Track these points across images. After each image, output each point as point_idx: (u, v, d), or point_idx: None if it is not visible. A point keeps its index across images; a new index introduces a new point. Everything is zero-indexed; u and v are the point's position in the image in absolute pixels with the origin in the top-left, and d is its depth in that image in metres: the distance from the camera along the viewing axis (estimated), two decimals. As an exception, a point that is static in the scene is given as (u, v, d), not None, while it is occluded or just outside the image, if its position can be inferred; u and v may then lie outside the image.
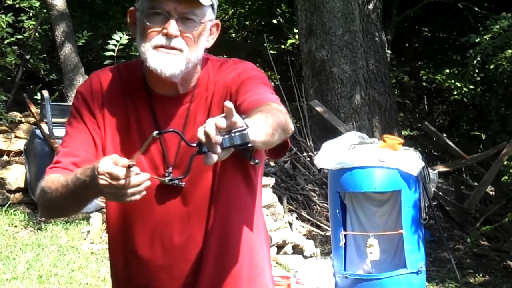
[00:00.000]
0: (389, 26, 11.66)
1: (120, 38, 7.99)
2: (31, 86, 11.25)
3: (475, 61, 9.49)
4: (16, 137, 8.24)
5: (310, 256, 6.27)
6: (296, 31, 11.68)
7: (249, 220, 2.02)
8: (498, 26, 7.82)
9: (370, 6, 9.04)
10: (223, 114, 1.56)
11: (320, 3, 8.88)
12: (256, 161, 1.73)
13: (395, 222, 5.15)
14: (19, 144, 8.13)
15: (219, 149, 1.55)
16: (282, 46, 12.98)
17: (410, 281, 5.05)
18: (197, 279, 1.97)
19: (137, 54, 2.00)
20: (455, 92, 11.49)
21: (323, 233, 7.05)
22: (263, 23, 14.01)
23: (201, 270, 1.97)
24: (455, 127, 13.37)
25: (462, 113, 13.27)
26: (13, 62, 10.06)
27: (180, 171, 1.94)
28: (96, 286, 5.28)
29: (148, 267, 1.99)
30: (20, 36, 10.57)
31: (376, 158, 5.05)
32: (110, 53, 8.01)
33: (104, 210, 4.66)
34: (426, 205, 5.22)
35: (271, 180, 6.81)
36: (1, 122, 8.18)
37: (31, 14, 10.89)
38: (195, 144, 1.59)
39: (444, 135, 10.56)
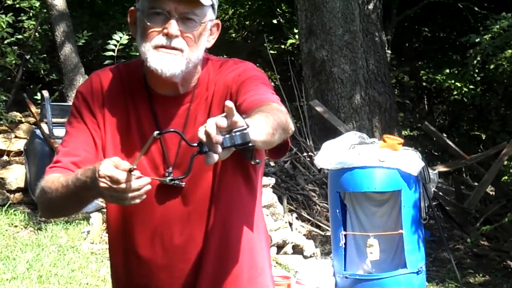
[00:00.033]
0: (389, 26, 11.66)
1: (120, 38, 7.99)
2: (31, 86, 11.25)
3: (475, 61, 9.49)
4: (16, 137, 8.24)
5: (310, 256, 6.27)
6: (296, 31, 11.69)
7: (249, 220, 2.02)
8: (498, 26, 7.82)
9: (370, 6, 9.04)
10: (224, 114, 1.56)
11: (320, 3, 8.88)
12: (257, 160, 1.73)
13: (395, 222, 5.15)
14: (19, 144, 8.13)
15: (220, 149, 1.55)
16: (282, 46, 12.99)
17: (410, 281, 5.05)
18: (197, 279, 1.97)
19: (137, 54, 2.00)
20: (455, 92, 11.50)
21: (323, 233, 7.05)
22: (263, 23, 14.02)
23: (201, 270, 1.96)
24: (455, 127, 13.37)
25: (462, 113, 13.27)
26: (13, 62, 10.07)
27: (180, 171, 1.94)
28: (96, 286, 5.28)
29: (148, 267, 1.99)
30: (20, 36, 10.57)
31: (376, 158, 5.05)
32: (110, 53, 8.01)
33: (104, 210, 4.66)
34: (426, 205, 5.22)
35: (271, 180, 6.81)
36: (1, 122, 8.19)
37: (31, 14, 10.89)
38: (195, 144, 1.60)
39: (444, 135, 10.56)
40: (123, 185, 1.65)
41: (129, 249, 2.01)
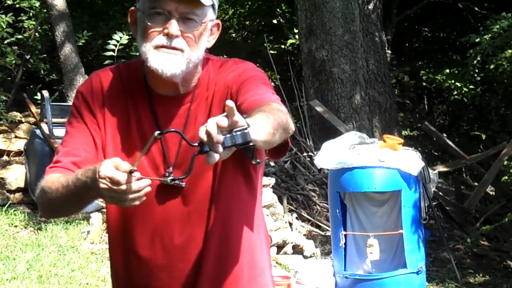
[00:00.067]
0: (389, 26, 11.66)
1: (120, 38, 7.99)
2: (31, 86, 11.25)
3: (475, 61, 9.49)
4: (16, 137, 8.24)
5: (310, 256, 6.27)
6: (296, 31, 11.69)
7: (249, 220, 2.02)
8: (498, 26, 7.82)
9: (370, 6, 9.04)
10: (225, 113, 1.56)
11: (320, 3, 8.88)
12: (258, 160, 1.73)
13: (395, 222, 5.15)
14: (19, 144, 8.13)
15: (220, 148, 1.55)
16: (282, 46, 12.99)
17: (410, 281, 5.05)
18: (197, 279, 1.97)
19: (137, 54, 2.00)
20: (455, 92, 11.50)
21: (323, 233, 7.05)
22: (263, 23, 14.01)
23: (201, 270, 1.96)
24: (455, 127, 13.37)
25: (462, 113, 13.27)
26: (13, 62, 10.07)
27: (181, 171, 1.93)
28: (96, 286, 5.28)
29: (148, 267, 1.99)
30: (20, 36, 10.57)
31: (376, 158, 5.05)
32: (110, 53, 8.01)
33: (104, 210, 4.66)
34: (426, 205, 5.22)
35: (271, 180, 6.81)
36: (1, 122, 8.19)
37: (31, 14, 10.89)
38: (196, 144, 1.59)
39: (444, 135, 10.56)
40: (123, 187, 1.65)
41: (129, 249, 2.00)
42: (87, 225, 6.41)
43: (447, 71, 11.45)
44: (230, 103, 1.55)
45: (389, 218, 5.21)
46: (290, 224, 6.79)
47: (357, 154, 5.13)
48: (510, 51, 8.95)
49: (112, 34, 8.26)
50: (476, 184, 8.80)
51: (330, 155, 5.20)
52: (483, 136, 12.48)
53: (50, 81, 11.12)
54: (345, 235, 5.20)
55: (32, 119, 8.28)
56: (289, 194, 7.52)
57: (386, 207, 5.23)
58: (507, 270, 6.90)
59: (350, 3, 8.87)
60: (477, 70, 10.38)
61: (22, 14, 10.81)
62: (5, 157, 8.10)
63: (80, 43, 9.83)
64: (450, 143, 8.92)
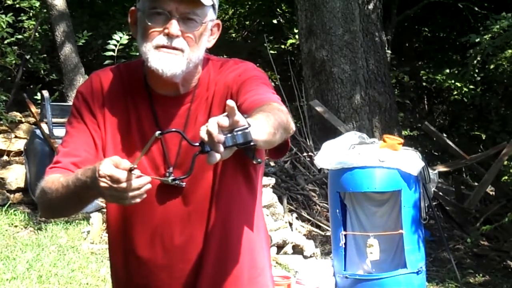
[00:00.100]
0: (389, 26, 11.66)
1: (120, 38, 7.99)
2: (31, 86, 11.25)
3: (475, 61, 9.49)
4: (16, 137, 8.24)
5: (310, 256, 6.27)
6: (296, 31, 11.69)
7: (249, 220, 2.02)
8: (498, 26, 7.82)
9: (370, 6, 9.04)
10: (225, 113, 1.56)
11: (320, 3, 8.88)
12: (259, 160, 1.73)
13: (395, 222, 5.15)
14: (19, 144, 8.14)
15: (221, 148, 1.55)
16: (282, 46, 12.98)
17: (410, 281, 5.05)
18: (197, 279, 1.97)
19: (137, 54, 2.00)
20: (455, 92, 11.50)
21: (323, 233, 7.05)
22: (263, 23, 14.01)
23: (201, 270, 1.96)
24: (455, 127, 13.37)
25: (462, 113, 13.27)
26: (13, 62, 10.07)
27: (181, 171, 1.93)
28: (96, 286, 5.28)
29: (148, 267, 1.99)
30: (20, 36, 10.57)
31: (376, 158, 5.05)
32: (110, 53, 8.01)
33: (104, 210, 4.66)
34: (426, 205, 5.22)
35: (271, 180, 6.81)
36: (1, 122, 8.19)
37: (31, 14, 10.89)
38: (197, 144, 1.59)
39: (444, 135, 10.56)
40: (123, 185, 1.64)
41: (129, 249, 2.00)
42: (87, 225, 6.41)
43: (447, 71, 11.45)
44: (231, 102, 1.55)
45: (389, 218, 5.21)
46: (290, 224, 6.79)
47: (357, 154, 5.13)
48: (510, 51, 8.95)
49: (112, 34, 8.27)
50: (476, 184, 8.80)
51: (330, 155, 5.20)
52: (483, 136, 12.48)
53: (50, 81, 11.13)
54: (345, 235, 5.20)
55: (32, 119, 8.28)
56: (289, 194, 7.52)
57: (386, 207, 5.23)
58: (507, 270, 6.90)
59: (350, 3, 8.87)
60: (477, 70, 10.39)
61: (22, 14, 10.81)
62: (5, 157, 8.10)
63: (80, 43, 9.83)
64: (450, 143, 8.92)
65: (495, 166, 7.85)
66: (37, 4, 10.50)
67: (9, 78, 10.75)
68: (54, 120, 7.31)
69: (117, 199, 1.68)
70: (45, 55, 11.03)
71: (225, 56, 2.40)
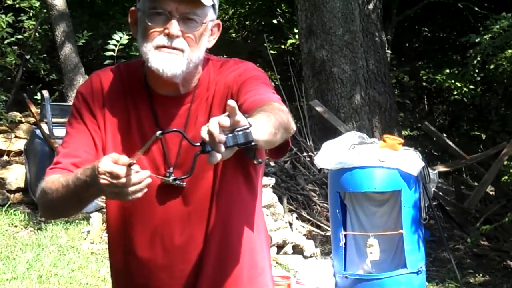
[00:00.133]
0: (389, 26, 11.66)
1: (120, 38, 7.99)
2: (31, 86, 11.25)
3: (475, 61, 9.49)
4: (16, 137, 8.24)
5: (310, 256, 6.27)
6: (296, 31, 11.69)
7: (249, 220, 2.02)
8: (498, 26, 7.82)
9: (370, 6, 9.04)
10: (227, 113, 1.56)
11: (320, 3, 8.88)
12: (259, 160, 1.73)
13: (395, 222, 5.15)
14: (19, 144, 8.14)
15: (223, 148, 1.54)
16: (282, 46, 12.99)
17: (410, 281, 5.05)
18: (197, 279, 1.97)
19: (137, 54, 2.00)
20: (455, 92, 11.50)
21: (323, 233, 7.05)
22: (263, 23, 14.01)
23: (201, 270, 1.96)
24: (455, 127, 13.37)
25: (462, 113, 13.27)
26: (13, 62, 10.07)
27: (181, 171, 1.93)
28: (96, 286, 5.28)
29: (148, 267, 1.99)
30: (20, 36, 10.57)
31: (376, 158, 5.05)
32: (110, 53, 8.01)
33: (104, 210, 4.66)
34: (426, 205, 5.22)
35: (271, 180, 6.81)
36: (1, 122, 8.19)
37: (31, 14, 10.89)
38: (198, 144, 1.59)
39: (444, 135, 10.56)
40: (123, 180, 1.64)
41: (129, 249, 2.00)
42: (87, 225, 6.41)
43: (447, 71, 11.45)
44: (232, 102, 1.54)
45: (389, 218, 5.21)
46: (290, 224, 6.79)
47: (357, 154, 5.13)
48: (510, 51, 8.95)
49: (112, 34, 8.27)
50: (476, 184, 8.80)
51: (330, 155, 5.20)
52: (483, 136, 12.48)
53: (50, 81, 11.13)
54: (345, 235, 5.20)
55: (32, 119, 8.29)
56: (289, 194, 7.52)
57: (386, 207, 5.23)
58: (507, 270, 6.90)
59: (350, 3, 8.87)
60: (477, 70, 10.39)
61: (22, 14, 10.81)
62: (5, 157, 8.10)
63: (80, 43, 9.83)
64: (450, 143, 8.92)
65: (495, 166, 7.85)
66: (37, 4, 10.50)
67: (9, 78, 10.75)
68: (54, 120, 7.31)
69: (118, 195, 1.68)
70: (45, 55, 11.04)
71: (225, 56, 2.40)
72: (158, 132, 1.68)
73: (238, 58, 2.08)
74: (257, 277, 2.04)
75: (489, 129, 11.99)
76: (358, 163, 5.06)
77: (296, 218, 7.07)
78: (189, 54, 1.89)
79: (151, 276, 1.99)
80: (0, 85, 10.21)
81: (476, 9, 11.85)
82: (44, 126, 7.45)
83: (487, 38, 8.02)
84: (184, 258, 1.97)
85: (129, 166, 1.64)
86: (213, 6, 1.93)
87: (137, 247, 1.99)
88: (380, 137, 7.20)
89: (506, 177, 8.55)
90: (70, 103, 7.95)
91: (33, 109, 8.14)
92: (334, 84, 8.85)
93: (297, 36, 11.35)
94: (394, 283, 5.02)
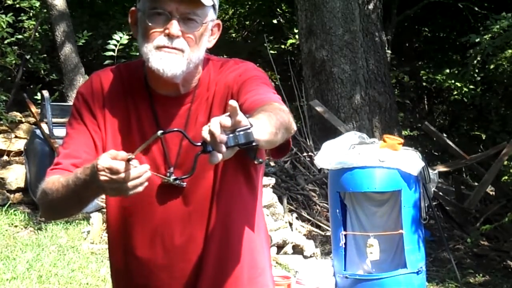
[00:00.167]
0: (389, 26, 11.66)
1: (120, 38, 8.00)
2: (31, 86, 11.25)
3: (475, 61, 9.49)
4: (16, 137, 8.24)
5: (310, 256, 6.27)
6: (296, 31, 11.69)
7: (250, 220, 2.02)
8: (498, 26, 7.83)
9: (370, 6, 9.04)
10: (228, 113, 1.56)
11: (320, 3, 8.88)
12: (260, 160, 1.73)
13: (395, 222, 5.15)
14: (19, 144, 8.14)
15: (224, 148, 1.54)
16: (282, 46, 12.99)
17: (410, 281, 5.05)
18: (197, 279, 1.97)
19: (137, 54, 2.00)
20: (455, 92, 11.50)
21: (323, 233, 7.05)
22: (263, 23, 14.02)
23: (201, 270, 1.96)
24: (455, 127, 13.37)
25: (462, 113, 13.27)
26: (13, 62, 10.07)
27: (181, 171, 1.93)
28: (96, 286, 5.28)
29: (149, 267, 1.99)
30: (20, 36, 10.57)
31: (376, 158, 5.05)
32: (110, 53, 8.01)
33: (104, 210, 4.66)
34: (426, 205, 5.22)
35: (271, 180, 6.81)
36: (1, 122, 8.19)
37: (31, 14, 10.89)
38: (199, 143, 1.59)
39: (444, 135, 10.56)
40: (122, 175, 1.64)
41: (129, 249, 2.00)
42: (87, 225, 6.41)
43: (447, 71, 11.45)
44: (233, 103, 1.54)
45: (389, 218, 5.21)
46: (290, 224, 6.79)
47: (357, 154, 5.13)
48: (510, 51, 8.95)
49: (112, 34, 8.27)
50: (476, 184, 8.80)
51: (330, 155, 5.20)
52: (483, 136, 12.48)
53: (50, 81, 11.13)
54: (345, 235, 5.20)
55: (32, 119, 8.29)
56: (289, 194, 7.52)
57: (386, 207, 5.23)
58: (507, 270, 6.90)
59: (350, 3, 8.87)
60: (477, 70, 10.39)
61: (22, 14, 10.81)
62: (5, 157, 8.10)
63: (80, 43, 9.83)
64: (450, 143, 8.92)
65: (495, 166, 7.85)
66: (37, 4, 10.50)
67: (9, 78, 10.75)
68: (54, 120, 7.31)
69: (118, 191, 1.68)
70: (45, 55, 11.04)
71: (225, 56, 2.40)
72: (160, 132, 1.68)
73: (238, 58, 2.08)
74: (257, 277, 2.04)
75: (489, 129, 12.00)
76: (358, 163, 5.06)
77: (296, 218, 7.07)
78: (189, 54, 1.89)
79: (151, 276, 1.99)
80: (0, 85, 10.21)
81: (476, 9, 11.85)
82: (44, 126, 7.45)
83: (487, 38, 8.02)
84: (184, 258, 1.97)
85: (128, 161, 1.64)
86: (213, 6, 1.93)
87: (137, 247, 1.99)
88: (380, 137, 7.20)
89: (506, 177, 8.55)
90: (70, 103, 7.96)
91: (33, 109, 8.15)
92: (334, 84, 8.85)
93: (297, 36, 11.35)
94: (394, 283, 5.02)
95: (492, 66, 9.82)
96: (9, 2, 10.64)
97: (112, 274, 2.10)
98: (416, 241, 5.13)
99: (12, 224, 6.71)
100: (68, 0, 9.43)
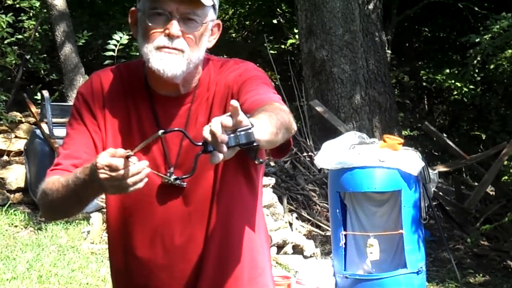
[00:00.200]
0: (389, 26, 11.66)
1: (120, 38, 8.00)
2: (31, 86, 11.25)
3: (475, 61, 9.49)
4: (16, 137, 8.24)
5: (310, 256, 6.27)
6: (296, 31, 11.69)
7: (250, 220, 2.02)
8: (498, 26, 7.83)
9: (370, 6, 9.04)
10: (229, 113, 1.56)
11: (320, 3, 8.88)
12: (261, 160, 1.73)
13: (395, 222, 5.15)
14: (19, 144, 8.14)
15: (225, 148, 1.54)
16: (282, 46, 12.99)
17: (410, 281, 5.05)
18: (197, 279, 1.97)
19: (137, 54, 2.00)
20: (455, 92, 11.50)
21: (323, 233, 7.05)
22: (263, 23, 14.02)
23: (201, 270, 1.96)
24: (455, 127, 13.37)
25: (462, 113, 13.27)
26: (13, 62, 10.07)
27: (182, 171, 1.93)
28: (96, 286, 5.28)
29: (149, 267, 1.99)
30: (20, 36, 10.57)
31: (376, 158, 5.05)
32: (110, 53, 8.02)
33: (104, 210, 4.66)
34: (426, 205, 5.22)
35: (271, 180, 6.81)
36: (1, 122, 8.19)
37: (31, 14, 10.89)
38: (200, 143, 1.60)
39: (444, 135, 10.56)
40: (121, 172, 1.64)
41: (129, 249, 2.00)
42: (87, 225, 6.41)
43: (447, 71, 11.45)
44: (234, 103, 1.54)
45: (389, 218, 5.21)
46: (290, 224, 6.79)
47: (357, 154, 5.14)
48: (510, 51, 8.95)
49: (112, 34, 8.27)
50: (476, 184, 8.80)
51: (330, 155, 5.20)
52: (483, 136, 12.48)
53: (50, 81, 11.13)
54: (345, 235, 5.20)
55: (32, 119, 8.29)
56: (289, 194, 7.52)
57: (386, 207, 5.23)
58: (507, 270, 6.90)
59: (350, 3, 8.87)
60: (477, 70, 10.39)
61: (22, 14, 10.81)
62: (5, 157, 8.10)
63: (80, 43, 9.83)
64: (450, 143, 8.92)
65: (495, 166, 7.85)
66: (37, 4, 10.50)
67: (9, 78, 10.75)
68: (54, 120, 7.31)
69: (118, 189, 1.68)
70: (45, 55, 11.04)
71: (225, 56, 2.40)
72: (160, 131, 1.69)
73: (238, 58, 2.08)
74: (258, 277, 2.04)
75: (489, 129, 12.00)
76: (358, 163, 5.06)
77: (296, 218, 7.07)
78: (189, 54, 1.89)
79: (151, 276, 1.99)
80: (0, 85, 10.21)
81: (476, 9, 11.85)
82: (44, 126, 7.45)
83: (487, 38, 8.02)
84: (184, 258, 1.97)
85: (127, 158, 1.64)
86: (213, 6, 1.93)
87: (137, 247, 1.99)
88: (380, 137, 7.20)
89: (506, 177, 8.55)
90: (70, 103, 7.96)
91: (33, 109, 8.15)
92: (334, 84, 8.85)
93: (297, 36, 11.35)
94: (394, 283, 5.02)
95: (492, 66, 9.82)
96: (9, 2, 10.64)
97: (112, 274, 2.10)
98: (416, 241, 5.13)
99: (12, 224, 6.71)
100: (68, 0, 9.43)
